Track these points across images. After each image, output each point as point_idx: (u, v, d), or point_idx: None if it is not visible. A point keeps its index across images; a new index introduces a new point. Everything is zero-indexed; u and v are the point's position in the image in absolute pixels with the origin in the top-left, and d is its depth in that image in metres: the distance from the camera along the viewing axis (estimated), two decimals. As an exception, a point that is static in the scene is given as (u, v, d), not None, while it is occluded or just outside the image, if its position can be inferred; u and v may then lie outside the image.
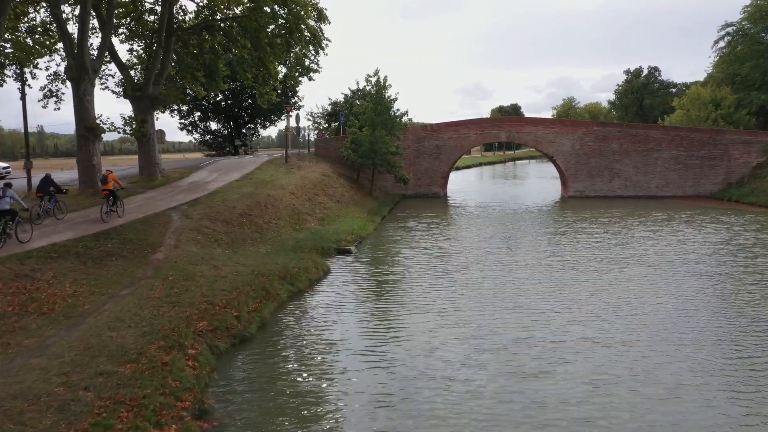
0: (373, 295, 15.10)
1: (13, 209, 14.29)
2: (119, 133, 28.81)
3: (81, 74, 22.90)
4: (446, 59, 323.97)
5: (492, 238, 23.70)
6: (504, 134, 38.75)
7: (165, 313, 10.88)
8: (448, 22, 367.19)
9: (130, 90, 27.63)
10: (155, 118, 29.65)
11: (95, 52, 25.29)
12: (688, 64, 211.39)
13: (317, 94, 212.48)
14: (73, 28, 25.05)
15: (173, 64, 31.46)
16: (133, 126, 27.77)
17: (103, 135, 24.12)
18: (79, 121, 23.26)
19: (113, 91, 29.41)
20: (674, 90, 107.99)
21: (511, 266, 18.36)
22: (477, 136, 38.85)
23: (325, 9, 29.20)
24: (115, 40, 28.67)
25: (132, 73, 30.41)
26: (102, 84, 29.90)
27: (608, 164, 37.33)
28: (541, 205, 35.48)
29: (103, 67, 30.02)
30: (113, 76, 29.30)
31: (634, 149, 37.01)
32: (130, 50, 31.64)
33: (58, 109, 26.41)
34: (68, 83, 24.14)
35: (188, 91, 41.05)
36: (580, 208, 33.03)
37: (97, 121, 23.43)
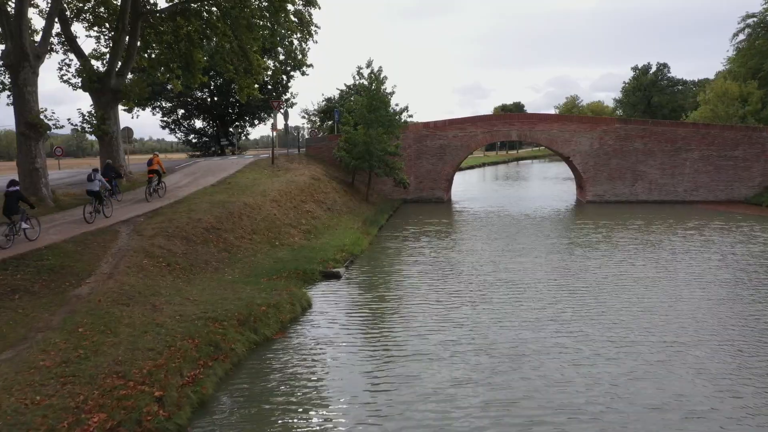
0: (363, 342, 11.39)
1: (100, 191, 17.65)
2: (77, 130, 25.18)
3: (20, 60, 19.19)
4: (445, 59, 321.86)
5: (507, 252, 20.03)
6: (515, 132, 34.99)
7: (43, 401, 7.18)
8: (446, 23, 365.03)
9: (88, 81, 23.95)
10: (135, 116, 26.28)
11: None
12: (686, 62, 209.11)
13: (313, 92, 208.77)
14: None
15: (144, 54, 27.84)
16: (93, 123, 24.16)
17: (48, 132, 20.35)
18: (19, 116, 19.55)
19: (69, 83, 25.46)
20: (681, 87, 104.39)
21: (535, 292, 14.70)
22: (485, 134, 35.10)
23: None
24: (78, 27, 24.98)
25: (99, 64, 26.77)
26: (61, 75, 26.13)
27: (631, 165, 33.60)
28: (558, 212, 31.78)
29: (63, 57, 26.47)
30: (69, 65, 25.51)
31: (659, 149, 33.28)
32: (97, 38, 27.89)
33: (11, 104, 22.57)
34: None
35: (169, 86, 37.57)
36: (601, 214, 29.34)
37: (41, 116, 19.73)
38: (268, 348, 10.83)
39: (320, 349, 10.95)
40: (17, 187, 14.25)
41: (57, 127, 20.79)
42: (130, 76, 28.94)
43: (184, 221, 17.25)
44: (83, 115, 24.19)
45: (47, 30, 20.63)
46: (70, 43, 24.87)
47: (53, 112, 20.27)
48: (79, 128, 24.39)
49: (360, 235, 21.70)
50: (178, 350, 9.17)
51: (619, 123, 34.20)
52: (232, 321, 10.84)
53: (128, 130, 27.66)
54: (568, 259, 18.98)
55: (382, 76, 29.80)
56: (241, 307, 11.62)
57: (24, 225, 14.05)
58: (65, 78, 25.49)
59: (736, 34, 58.56)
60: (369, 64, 29.92)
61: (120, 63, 25.04)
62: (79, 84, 24.66)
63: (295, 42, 30.17)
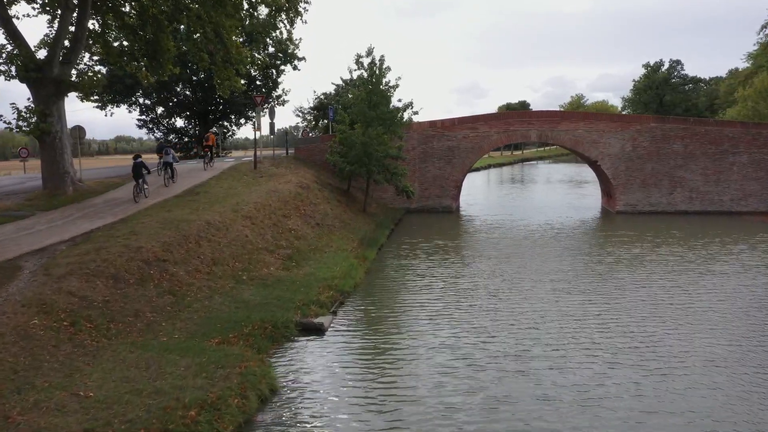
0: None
1: (172, 162, 22.35)
2: (15, 130, 20.72)
3: None
4: (442, 58, 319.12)
5: (540, 280, 15.78)
6: (534, 132, 30.56)
7: None
8: (443, 22, 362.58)
9: (23, 69, 19.58)
10: (109, 114, 21.90)
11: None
12: (686, 61, 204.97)
13: (309, 91, 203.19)
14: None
15: (102, 40, 23.44)
16: (31, 120, 19.79)
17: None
18: None
19: (1, 72, 20.95)
20: (692, 86, 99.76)
21: (588, 347, 10.33)
22: (500, 134, 30.69)
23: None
24: (26, 7, 20.52)
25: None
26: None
27: (668, 171, 29.18)
28: (586, 224, 27.38)
29: (5, 42, 22.08)
30: (2, 51, 21.06)
31: (702, 152, 28.87)
32: (50, 22, 23.46)
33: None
34: None
35: (144, 81, 33.07)
36: (638, 227, 24.93)
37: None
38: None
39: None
40: (141, 159, 19.21)
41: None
42: (89, 64, 24.68)
43: (117, 250, 12.84)
44: (18, 111, 19.82)
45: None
46: (4, 24, 20.48)
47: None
48: (13, 126, 19.99)
49: (354, 260, 17.31)
50: None
51: (654, 122, 29.75)
52: (129, 450, 6.45)
53: (79, 129, 23.25)
54: (622, 291, 14.68)
55: (384, 67, 25.43)
56: (156, 412, 7.22)
57: (145, 186, 19.27)
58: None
59: (764, 27, 54.35)
60: (370, 53, 25.49)
61: (66, 48, 20.70)
62: (14, 73, 20.29)
63: (283, 28, 25.80)
